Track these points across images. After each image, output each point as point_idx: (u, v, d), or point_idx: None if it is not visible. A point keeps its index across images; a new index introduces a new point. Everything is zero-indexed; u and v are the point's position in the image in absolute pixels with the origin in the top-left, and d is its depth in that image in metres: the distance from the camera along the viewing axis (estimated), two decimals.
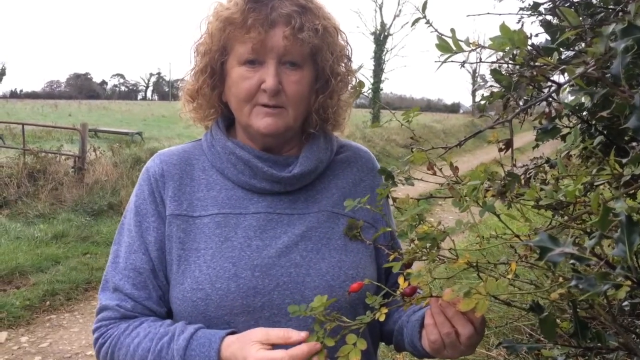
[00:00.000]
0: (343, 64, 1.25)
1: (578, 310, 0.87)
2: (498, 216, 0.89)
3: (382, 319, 0.93)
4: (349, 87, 1.28)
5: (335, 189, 1.27)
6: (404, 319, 1.20)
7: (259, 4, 1.13)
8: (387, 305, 0.98)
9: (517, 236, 0.88)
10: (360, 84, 1.22)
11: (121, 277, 1.19)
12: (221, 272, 1.13)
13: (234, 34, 1.15)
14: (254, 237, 1.17)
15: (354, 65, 1.28)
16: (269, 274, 1.14)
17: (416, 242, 0.96)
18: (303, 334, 0.98)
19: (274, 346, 1.01)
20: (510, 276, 0.78)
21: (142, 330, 1.14)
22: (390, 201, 1.23)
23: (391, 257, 1.02)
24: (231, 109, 1.23)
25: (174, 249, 1.18)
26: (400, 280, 0.95)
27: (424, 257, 0.97)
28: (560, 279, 0.75)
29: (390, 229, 1.26)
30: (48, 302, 5.04)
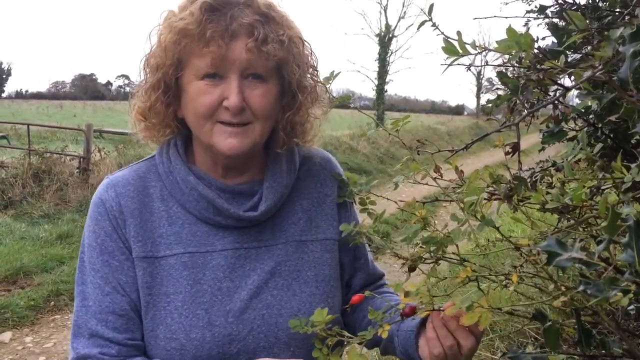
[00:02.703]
0: (309, 75, 1.17)
1: (582, 315, 0.87)
2: (497, 229, 0.89)
3: (384, 335, 0.93)
4: (320, 99, 1.20)
5: (302, 212, 1.22)
6: (393, 327, 1.13)
7: (217, 13, 1.04)
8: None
9: (518, 248, 0.88)
10: (346, 97, 1.16)
11: (97, 322, 1.10)
12: (194, 320, 1.09)
13: (191, 47, 1.05)
14: (224, 278, 1.12)
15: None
16: (242, 319, 1.11)
17: (420, 246, 0.96)
18: None
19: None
20: (512, 288, 0.78)
21: None
22: (358, 208, 1.24)
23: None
24: (189, 126, 1.13)
25: (141, 294, 1.11)
26: (401, 296, 0.95)
27: (428, 260, 0.97)
28: (563, 288, 0.74)
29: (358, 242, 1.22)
30: (52, 303, 5.05)
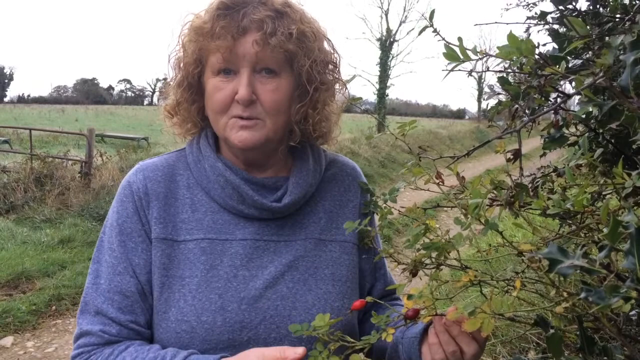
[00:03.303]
0: (328, 72, 1.18)
1: (584, 321, 0.87)
2: (500, 233, 0.89)
3: (389, 339, 0.93)
4: (337, 97, 1.22)
5: (323, 213, 1.24)
6: (397, 335, 1.14)
7: (230, 10, 1.08)
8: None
9: (520, 254, 0.88)
10: (356, 99, 1.17)
11: (104, 300, 1.12)
12: (207, 304, 1.09)
13: (205, 44, 1.10)
14: (240, 266, 1.13)
15: (356, 74, 1.24)
16: (256, 307, 1.11)
17: (421, 251, 0.96)
18: (300, 350, 0.97)
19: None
20: (515, 293, 0.78)
21: (128, 355, 1.08)
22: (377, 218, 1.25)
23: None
24: (212, 124, 1.17)
25: (156, 275, 1.13)
26: (404, 299, 0.95)
27: (430, 266, 0.97)
28: (565, 294, 0.74)
29: (375, 248, 1.25)
30: (54, 307, 5.05)
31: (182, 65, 1.16)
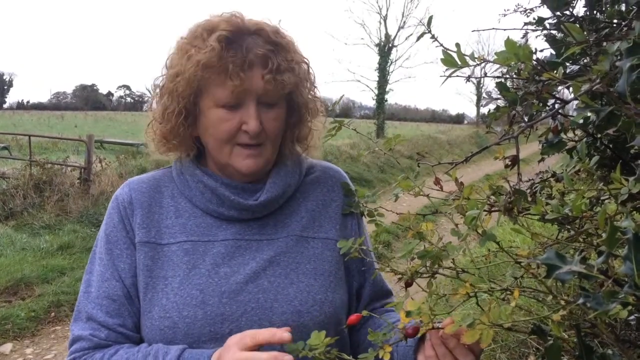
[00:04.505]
0: (311, 92, 1.27)
1: (581, 327, 0.86)
2: (498, 243, 0.89)
3: (386, 357, 0.91)
4: (319, 112, 1.29)
5: (305, 212, 1.28)
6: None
7: (234, 45, 1.11)
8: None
9: (519, 262, 0.87)
10: (340, 123, 1.20)
11: (94, 306, 1.18)
12: (188, 299, 1.13)
13: (212, 78, 1.12)
14: (222, 264, 1.17)
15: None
16: (237, 300, 1.13)
17: (416, 260, 0.95)
18: (286, 335, 0.98)
19: (259, 347, 1.00)
20: (513, 303, 0.77)
21: (118, 358, 1.12)
22: (366, 220, 1.29)
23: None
24: (208, 148, 1.22)
25: (141, 277, 1.18)
26: (402, 315, 0.93)
27: (425, 275, 0.96)
28: (562, 302, 0.74)
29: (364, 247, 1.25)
30: (53, 314, 5.04)
31: (182, 95, 1.15)
